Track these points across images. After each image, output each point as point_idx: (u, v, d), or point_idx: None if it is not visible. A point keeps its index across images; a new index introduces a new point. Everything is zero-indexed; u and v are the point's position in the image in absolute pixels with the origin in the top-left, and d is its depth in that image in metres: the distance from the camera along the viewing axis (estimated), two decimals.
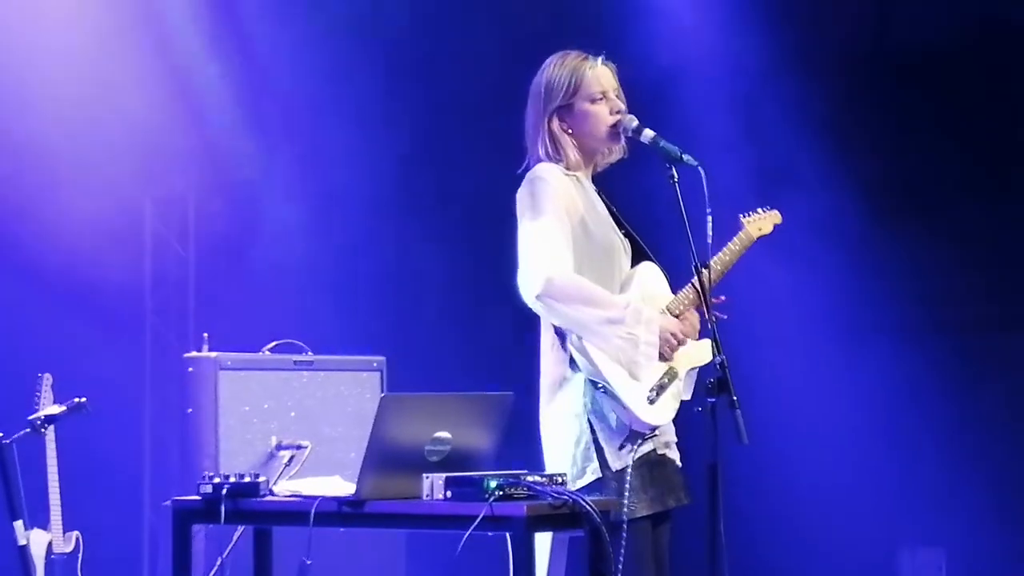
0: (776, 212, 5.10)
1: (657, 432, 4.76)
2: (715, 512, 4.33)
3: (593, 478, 4.68)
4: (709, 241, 4.59)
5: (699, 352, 4.84)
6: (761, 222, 5.05)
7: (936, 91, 8.44)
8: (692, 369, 4.86)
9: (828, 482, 8.38)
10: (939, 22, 8.39)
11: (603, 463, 4.68)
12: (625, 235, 4.92)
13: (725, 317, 4.74)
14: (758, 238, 5.03)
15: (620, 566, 4.45)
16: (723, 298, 4.83)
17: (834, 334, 8.54)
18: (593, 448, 4.69)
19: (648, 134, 4.77)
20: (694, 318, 4.85)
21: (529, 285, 4.67)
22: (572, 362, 4.74)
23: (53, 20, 8.29)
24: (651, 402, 4.72)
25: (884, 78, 8.61)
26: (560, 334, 4.77)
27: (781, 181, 7.99)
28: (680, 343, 4.78)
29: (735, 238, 4.96)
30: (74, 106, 8.31)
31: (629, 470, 4.68)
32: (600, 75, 4.85)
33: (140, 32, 8.48)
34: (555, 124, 4.84)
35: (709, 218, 4.51)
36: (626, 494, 4.63)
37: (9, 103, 8.19)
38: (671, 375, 4.79)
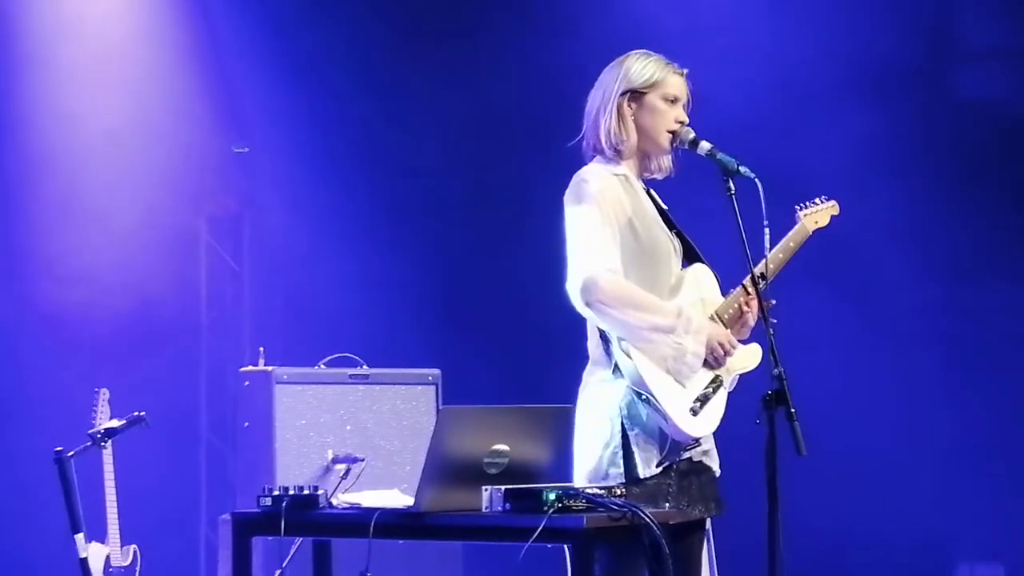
0: (834, 203, 5.01)
1: (699, 442, 4.72)
2: (774, 523, 4.29)
3: (614, 483, 4.56)
4: (767, 253, 4.57)
5: (745, 358, 4.79)
6: (818, 214, 4.98)
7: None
8: (738, 374, 4.81)
9: (886, 496, 8.34)
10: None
11: (628, 469, 4.61)
12: (676, 235, 4.86)
13: (775, 321, 4.67)
14: (814, 231, 4.98)
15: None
16: (774, 302, 4.73)
17: (893, 350, 8.50)
18: (621, 453, 4.63)
19: (705, 146, 4.74)
20: (748, 320, 4.78)
21: (578, 291, 4.63)
22: (616, 368, 4.68)
23: (105, 47, 8.41)
24: (694, 413, 4.67)
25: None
26: (604, 339, 4.72)
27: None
28: (727, 353, 4.73)
29: (791, 233, 4.89)
30: (128, 130, 8.43)
31: (657, 479, 4.60)
32: (680, 82, 4.85)
33: (190, 54, 8.58)
34: (624, 105, 4.81)
35: (766, 230, 4.49)
36: (663, 502, 4.57)
37: (67, 129, 8.30)
38: (716, 384, 4.74)
